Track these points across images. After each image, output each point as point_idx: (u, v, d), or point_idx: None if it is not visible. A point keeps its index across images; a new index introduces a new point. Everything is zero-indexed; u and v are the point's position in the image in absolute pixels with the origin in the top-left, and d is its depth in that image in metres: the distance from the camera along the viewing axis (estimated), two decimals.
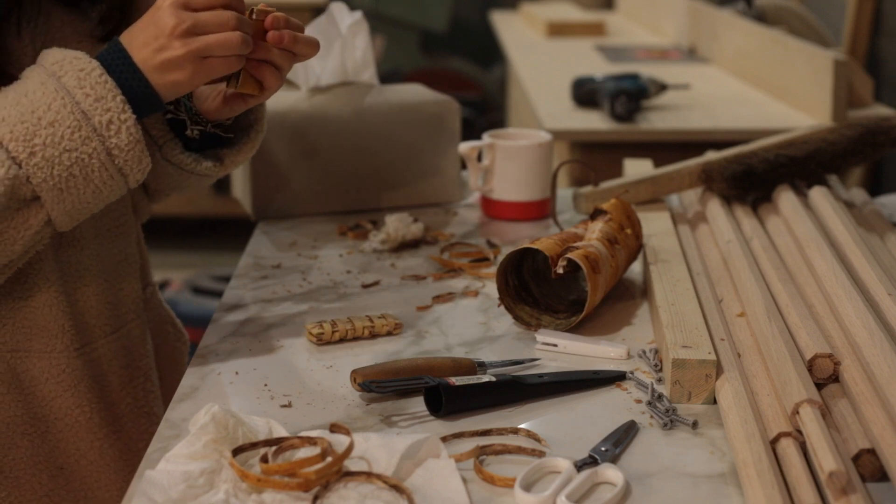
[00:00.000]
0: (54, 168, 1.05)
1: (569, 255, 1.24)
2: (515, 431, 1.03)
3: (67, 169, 1.05)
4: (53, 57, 1.07)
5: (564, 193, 1.70)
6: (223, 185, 4.29)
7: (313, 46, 1.14)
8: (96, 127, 1.05)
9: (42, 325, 1.19)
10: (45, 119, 1.04)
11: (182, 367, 1.41)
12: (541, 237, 1.30)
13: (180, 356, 1.42)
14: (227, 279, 3.25)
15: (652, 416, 1.05)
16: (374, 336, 1.23)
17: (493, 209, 1.64)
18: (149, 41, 1.07)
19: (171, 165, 1.22)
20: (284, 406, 1.08)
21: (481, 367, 1.14)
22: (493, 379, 1.08)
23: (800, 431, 0.95)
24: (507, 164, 1.61)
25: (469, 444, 1.00)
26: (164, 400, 1.34)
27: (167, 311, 1.42)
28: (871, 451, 0.93)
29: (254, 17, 1.12)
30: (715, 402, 1.07)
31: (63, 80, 1.05)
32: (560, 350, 1.19)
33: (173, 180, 1.26)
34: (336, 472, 0.91)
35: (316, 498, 0.89)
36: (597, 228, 1.31)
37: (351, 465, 0.94)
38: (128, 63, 1.07)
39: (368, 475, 0.92)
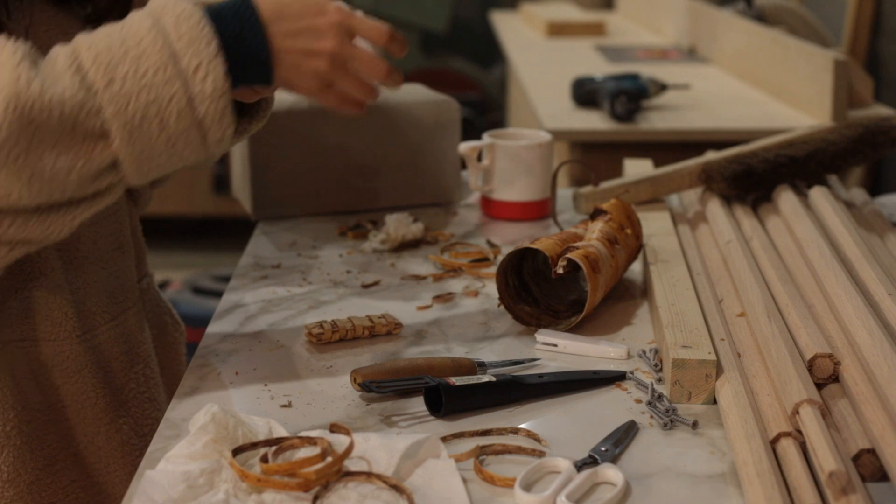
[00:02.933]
0: (130, 103, 0.99)
1: (569, 255, 1.24)
2: (515, 431, 1.02)
3: (143, 107, 1.00)
4: (158, 2, 1.04)
5: (564, 193, 1.70)
6: (223, 185, 4.29)
7: None
8: (182, 70, 1.00)
9: (46, 312, 1.19)
10: (133, 53, 1.00)
11: (180, 357, 1.43)
12: (541, 237, 1.30)
13: (178, 346, 1.43)
14: (227, 279, 3.25)
15: (652, 416, 1.05)
16: (373, 336, 1.23)
17: (492, 209, 1.64)
18: (298, 44, 1.05)
19: None
20: (284, 406, 1.08)
21: (481, 367, 1.14)
22: (493, 379, 1.08)
23: (800, 431, 0.95)
24: (507, 164, 1.61)
25: (469, 444, 1.00)
26: (165, 390, 1.35)
27: (165, 303, 1.43)
28: (871, 451, 0.93)
29: None
30: (715, 402, 1.07)
31: (162, 20, 1.02)
32: (560, 350, 1.19)
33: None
34: (336, 472, 0.91)
35: (316, 498, 0.89)
36: (597, 228, 1.31)
37: (351, 465, 0.94)
38: (252, 17, 1.04)
39: (368, 475, 0.92)
